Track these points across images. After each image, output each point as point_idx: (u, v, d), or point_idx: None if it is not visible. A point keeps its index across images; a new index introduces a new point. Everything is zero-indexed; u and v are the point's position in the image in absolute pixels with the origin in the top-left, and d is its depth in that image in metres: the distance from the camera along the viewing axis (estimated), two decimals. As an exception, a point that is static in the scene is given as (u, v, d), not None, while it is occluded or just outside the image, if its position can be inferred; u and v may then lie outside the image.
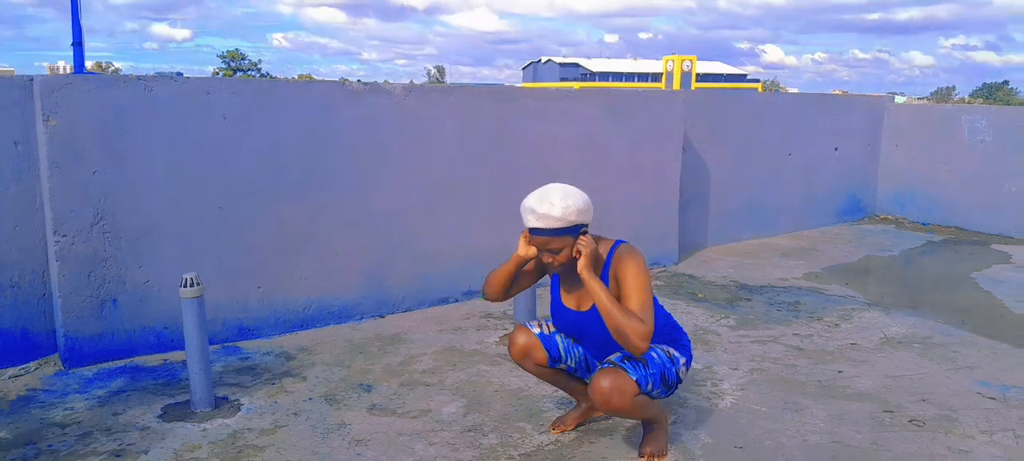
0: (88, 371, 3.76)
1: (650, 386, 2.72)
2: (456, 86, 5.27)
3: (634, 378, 2.66)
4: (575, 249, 2.67)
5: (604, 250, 2.77)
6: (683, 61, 21.13)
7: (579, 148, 5.52)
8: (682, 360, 2.88)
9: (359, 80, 4.60)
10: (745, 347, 4.27)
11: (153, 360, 3.92)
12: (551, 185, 2.71)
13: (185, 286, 3.24)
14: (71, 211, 3.72)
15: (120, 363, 3.86)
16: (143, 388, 3.58)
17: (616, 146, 5.73)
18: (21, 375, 3.71)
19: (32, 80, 3.75)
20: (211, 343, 3.67)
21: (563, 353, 2.97)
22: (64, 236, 3.72)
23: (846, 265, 6.44)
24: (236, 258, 4.18)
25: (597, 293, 2.58)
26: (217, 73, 56.04)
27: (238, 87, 4.27)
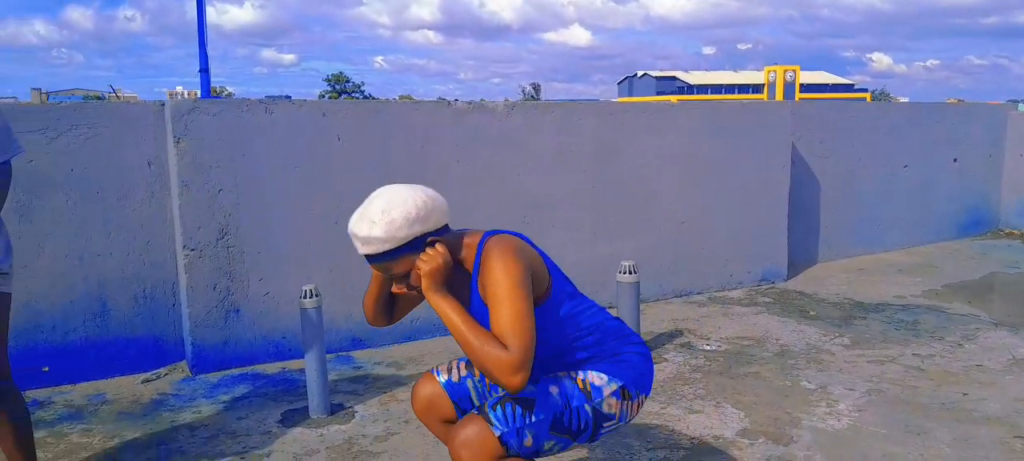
0: (213, 377, 3.98)
1: (528, 441, 2.01)
2: (556, 103, 5.32)
3: (498, 433, 1.98)
4: (416, 269, 2.00)
5: (470, 253, 2.05)
6: (786, 71, 20.52)
7: (682, 162, 5.46)
8: (611, 388, 2.11)
9: (457, 99, 4.72)
10: (861, 367, 4.10)
11: (272, 368, 4.12)
12: (376, 193, 2.02)
13: (305, 297, 3.40)
14: (198, 227, 3.97)
15: (242, 370, 4.07)
16: (264, 394, 3.76)
17: (721, 160, 5.63)
18: (153, 380, 3.97)
19: (164, 105, 4.04)
20: (326, 352, 3.82)
21: (477, 399, 2.32)
22: (192, 250, 3.96)
23: (968, 282, 6.09)
24: (349, 271, 4.34)
25: (448, 320, 1.91)
26: (323, 96, 58.34)
27: (351, 108, 4.45)
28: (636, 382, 2.16)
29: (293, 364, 4.12)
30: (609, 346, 2.16)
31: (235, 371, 4.06)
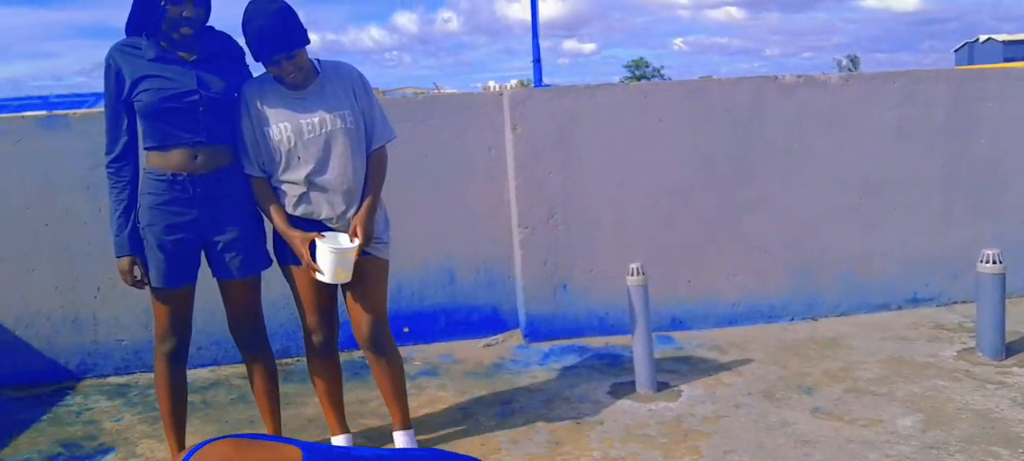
0: (544, 346, 4.25)
1: None
2: (897, 72, 4.81)
3: None
4: None
5: None
6: None
7: (1059, 135, 4.64)
8: None
9: (776, 76, 4.46)
10: None
11: (596, 342, 4.29)
12: None
13: (631, 275, 3.49)
14: (531, 207, 4.25)
15: (569, 342, 4.29)
16: (590, 366, 3.94)
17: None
18: (492, 345, 4.34)
19: (502, 95, 4.38)
20: (649, 331, 3.88)
21: None
22: (526, 228, 4.26)
23: None
24: (667, 251, 4.36)
25: None
26: (623, 82, 59.17)
27: (672, 88, 4.48)
28: None
29: (616, 340, 4.24)
30: None
31: (563, 342, 4.29)
